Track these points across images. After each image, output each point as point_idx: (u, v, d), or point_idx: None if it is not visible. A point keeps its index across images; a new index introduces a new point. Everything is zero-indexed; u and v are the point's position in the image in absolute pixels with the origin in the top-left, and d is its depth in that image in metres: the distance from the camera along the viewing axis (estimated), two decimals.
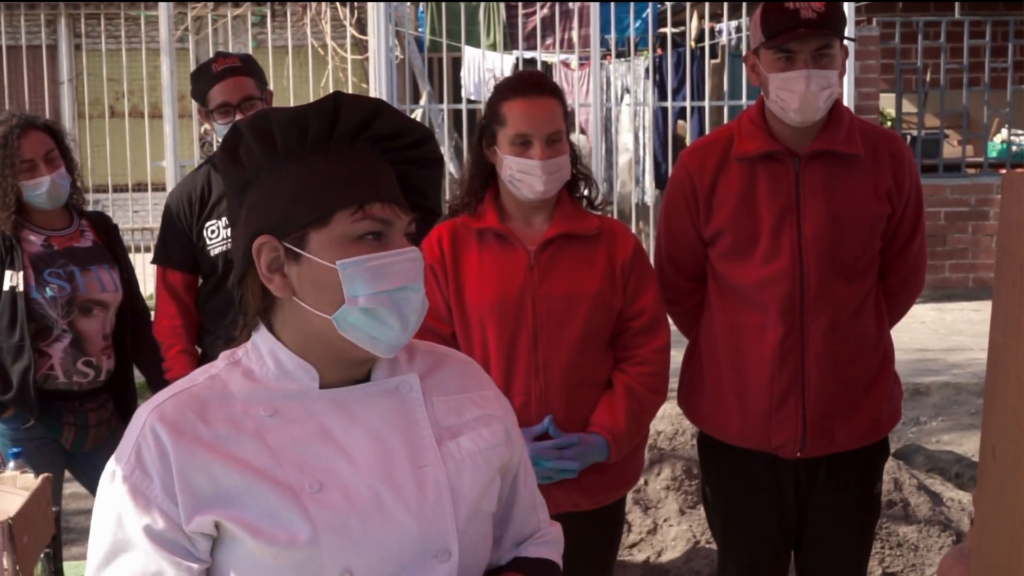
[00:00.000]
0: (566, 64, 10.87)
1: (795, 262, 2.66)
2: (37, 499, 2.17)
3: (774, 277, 2.67)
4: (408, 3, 11.06)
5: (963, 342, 8.23)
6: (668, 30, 11.03)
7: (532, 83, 2.62)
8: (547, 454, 2.55)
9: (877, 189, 2.68)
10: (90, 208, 3.65)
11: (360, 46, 10.95)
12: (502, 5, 12.18)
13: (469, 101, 9.53)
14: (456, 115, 9.87)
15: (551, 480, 2.55)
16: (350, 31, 10.84)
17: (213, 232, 3.34)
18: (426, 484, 1.46)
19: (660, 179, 9.99)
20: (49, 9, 13.58)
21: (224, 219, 3.32)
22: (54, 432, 3.39)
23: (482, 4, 10.58)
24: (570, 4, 11.22)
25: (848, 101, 8.73)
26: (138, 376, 3.60)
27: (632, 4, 10.80)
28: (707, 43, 9.91)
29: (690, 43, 9.97)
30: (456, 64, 11.30)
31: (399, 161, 1.51)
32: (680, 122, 10.38)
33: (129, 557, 1.41)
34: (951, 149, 10.60)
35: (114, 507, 1.42)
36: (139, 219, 10.72)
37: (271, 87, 3.50)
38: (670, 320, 2.83)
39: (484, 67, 10.61)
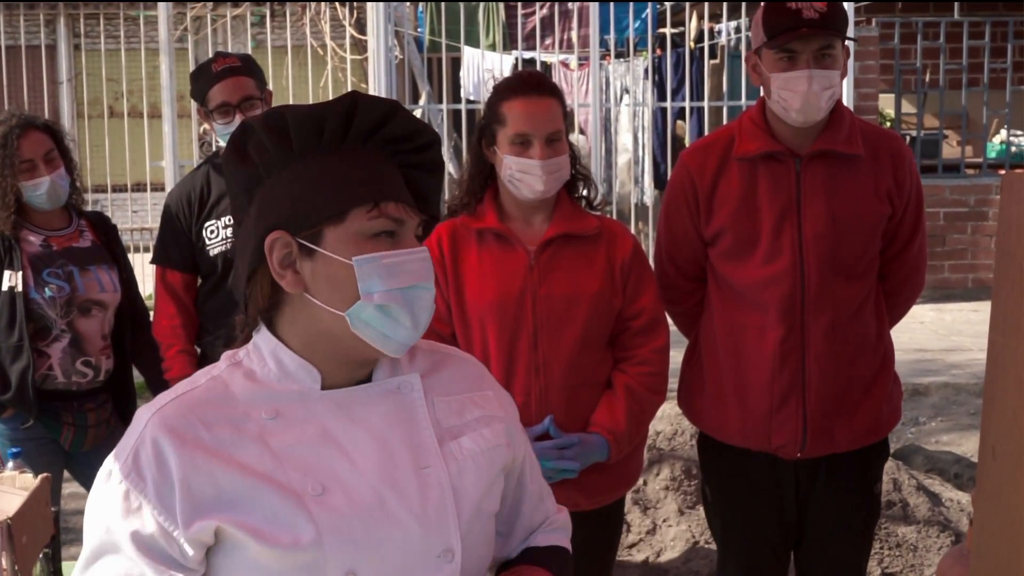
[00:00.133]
0: (565, 64, 10.87)
1: (796, 262, 2.66)
2: (36, 499, 2.17)
3: (775, 277, 2.67)
4: (407, 3, 11.05)
5: (962, 342, 8.24)
6: (667, 30, 11.04)
7: (532, 83, 2.62)
8: (548, 454, 2.55)
9: (878, 189, 2.68)
10: (89, 208, 3.65)
11: (359, 46, 10.94)
12: (501, 5, 12.19)
13: (468, 101, 9.52)
14: (455, 115, 9.87)
15: (551, 480, 2.54)
16: (349, 31, 10.83)
17: (212, 232, 3.34)
18: (428, 485, 1.47)
19: (659, 179, 9.99)
20: (48, 9, 13.58)
21: (223, 219, 3.32)
22: (53, 432, 3.39)
23: (481, 4, 10.58)
24: (569, 4, 11.22)
25: (847, 101, 8.73)
26: (137, 376, 3.60)
27: (631, 4, 10.81)
28: (706, 43, 9.91)
29: (689, 43, 9.98)
30: (455, 64, 11.30)
31: (405, 165, 1.52)
32: (679, 122, 10.38)
33: (113, 559, 1.41)
34: (950, 150, 10.60)
35: (105, 507, 1.42)
36: (138, 219, 10.72)
37: (270, 87, 3.50)
38: (669, 320, 2.84)
39: (483, 67, 10.61)
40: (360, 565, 1.40)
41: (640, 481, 4.22)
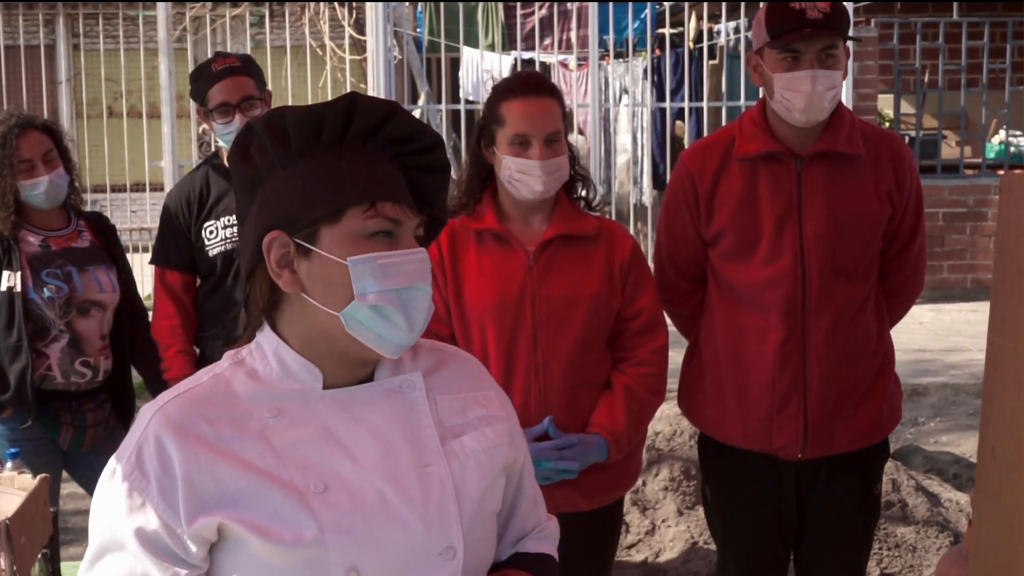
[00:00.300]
0: (564, 65, 10.87)
1: (796, 263, 2.66)
2: (35, 499, 2.17)
3: (775, 278, 2.67)
4: (406, 3, 11.06)
5: (961, 343, 8.24)
6: (666, 31, 11.04)
7: (531, 83, 2.62)
8: (547, 455, 2.55)
9: (878, 190, 2.68)
10: (88, 208, 3.65)
11: (358, 46, 10.94)
12: (500, 5, 12.18)
13: (467, 101, 9.53)
14: (454, 115, 9.86)
15: (551, 480, 2.55)
16: (348, 31, 10.83)
17: (212, 232, 3.34)
18: (430, 483, 1.47)
19: (658, 180, 9.99)
20: (47, 9, 13.59)
21: (223, 219, 3.33)
22: (52, 432, 3.38)
23: (480, 4, 10.57)
24: (568, 5, 11.21)
25: (846, 102, 8.70)
26: (136, 376, 3.60)
27: (630, 5, 10.80)
28: (705, 44, 9.91)
29: (688, 44, 9.99)
30: (454, 64, 11.30)
31: (408, 167, 1.52)
32: (678, 123, 10.38)
33: (118, 556, 1.42)
34: (949, 150, 10.60)
35: (110, 505, 1.43)
36: (137, 219, 10.72)
37: (269, 87, 3.50)
38: (668, 321, 2.84)
39: (482, 67, 10.61)
40: (362, 562, 1.41)
41: (639, 482, 4.22)
